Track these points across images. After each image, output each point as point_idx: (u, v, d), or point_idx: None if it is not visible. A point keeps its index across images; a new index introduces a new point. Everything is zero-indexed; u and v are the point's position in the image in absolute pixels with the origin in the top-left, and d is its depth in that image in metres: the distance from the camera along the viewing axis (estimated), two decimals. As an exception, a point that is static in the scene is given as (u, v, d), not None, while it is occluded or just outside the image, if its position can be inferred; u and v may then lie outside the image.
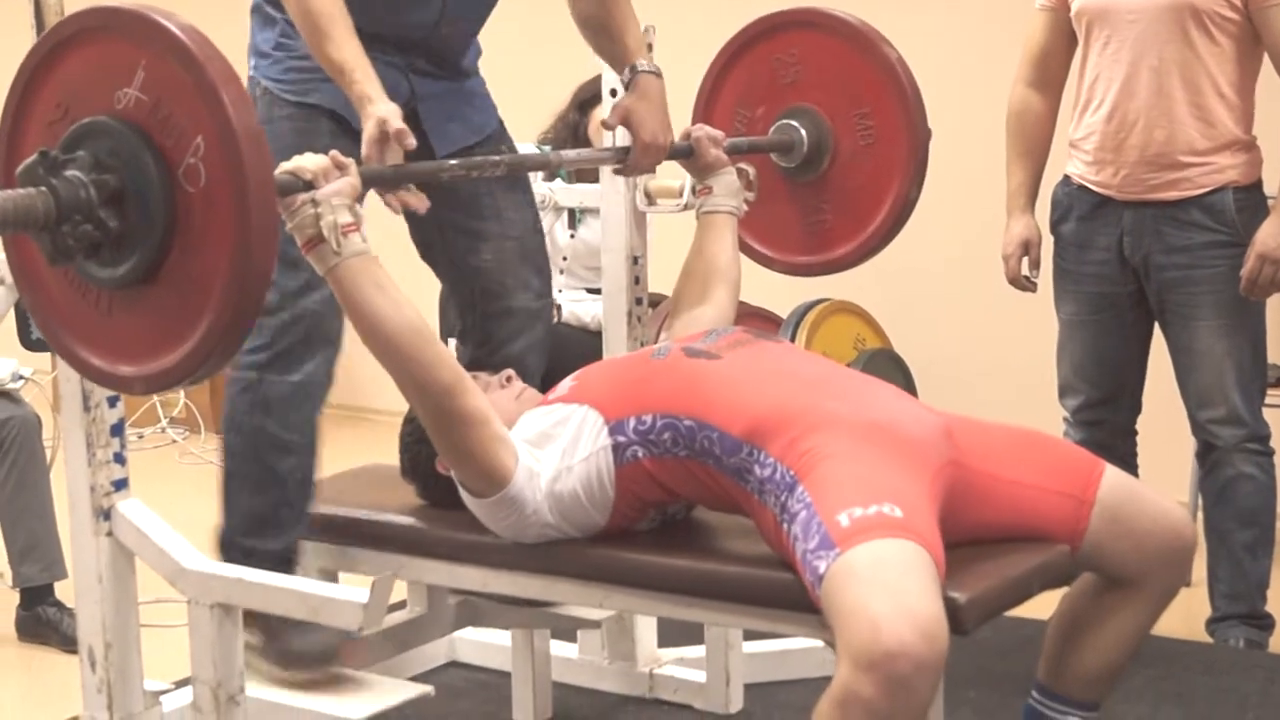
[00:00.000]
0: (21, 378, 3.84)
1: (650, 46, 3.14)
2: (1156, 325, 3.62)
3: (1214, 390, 3.51)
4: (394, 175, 2.41)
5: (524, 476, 2.37)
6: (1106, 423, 3.66)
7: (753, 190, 2.93)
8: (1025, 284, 3.67)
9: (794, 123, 3.08)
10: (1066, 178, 3.62)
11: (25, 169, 1.92)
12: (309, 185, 2.20)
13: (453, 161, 2.59)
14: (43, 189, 1.91)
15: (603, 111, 3.19)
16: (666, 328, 4.60)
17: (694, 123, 3.14)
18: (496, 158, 2.61)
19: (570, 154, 3.04)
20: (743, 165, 2.93)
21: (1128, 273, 3.55)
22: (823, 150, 3.08)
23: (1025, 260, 3.65)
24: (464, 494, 2.44)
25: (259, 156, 1.93)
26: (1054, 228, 3.66)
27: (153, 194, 1.95)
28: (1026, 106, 3.66)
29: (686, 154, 2.88)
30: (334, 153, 2.24)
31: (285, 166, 2.19)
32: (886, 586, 1.99)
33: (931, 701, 2.00)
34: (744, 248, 2.99)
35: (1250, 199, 3.49)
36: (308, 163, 2.21)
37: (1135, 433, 3.72)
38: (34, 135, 2.06)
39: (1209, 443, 3.56)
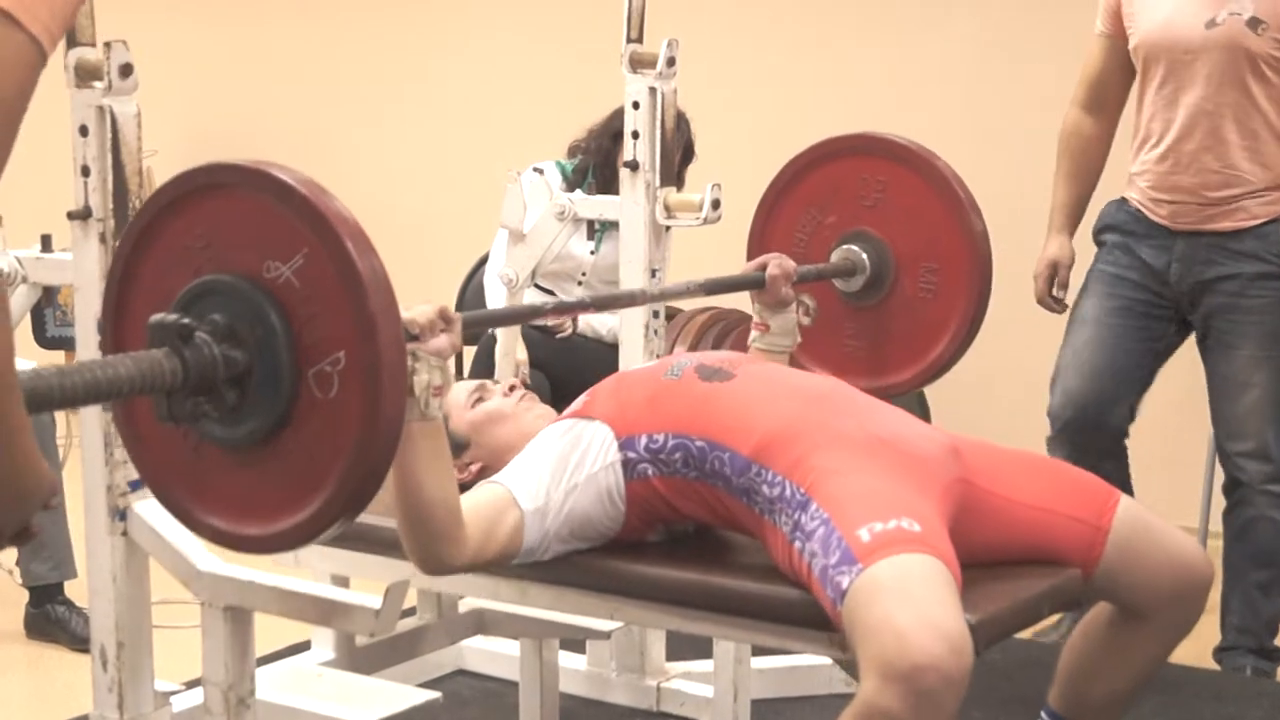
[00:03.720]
0: (37, 379, 3.84)
1: (672, 61, 3.15)
2: (1170, 355, 3.60)
3: (1246, 422, 3.49)
4: (497, 319, 2.40)
5: (534, 530, 2.33)
6: (1088, 420, 3.58)
7: (810, 318, 2.90)
8: (1052, 305, 3.66)
9: (858, 248, 3.06)
10: (1124, 200, 3.60)
11: (160, 327, 1.80)
12: (413, 337, 2.12)
13: (549, 304, 2.57)
14: (173, 356, 1.79)
15: (625, 151, 3.23)
16: (683, 341, 4.62)
17: (766, 197, 3.13)
18: (588, 298, 2.62)
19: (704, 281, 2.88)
20: (805, 298, 2.91)
21: (1165, 294, 3.53)
22: (880, 285, 3.07)
23: (1056, 281, 3.63)
24: None
25: (396, 388, 1.83)
26: (1099, 234, 3.63)
27: (279, 386, 1.84)
28: (1077, 129, 3.66)
29: (758, 285, 2.82)
30: (444, 306, 2.18)
31: (401, 315, 2.05)
32: (912, 600, 1.99)
33: (955, 716, 1.99)
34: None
35: None
36: (419, 316, 2.14)
37: (1125, 448, 3.65)
38: (167, 250, 1.95)
39: (1235, 477, 3.54)
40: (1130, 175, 3.59)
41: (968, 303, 3.03)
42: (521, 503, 2.32)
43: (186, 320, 1.81)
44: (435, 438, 2.20)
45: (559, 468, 2.37)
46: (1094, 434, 3.57)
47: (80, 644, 3.65)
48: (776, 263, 2.82)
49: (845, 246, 3.08)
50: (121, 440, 2.11)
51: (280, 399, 1.85)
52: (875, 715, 1.95)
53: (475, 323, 2.27)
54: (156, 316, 1.82)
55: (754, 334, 2.86)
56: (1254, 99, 3.39)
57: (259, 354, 1.84)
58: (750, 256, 3.04)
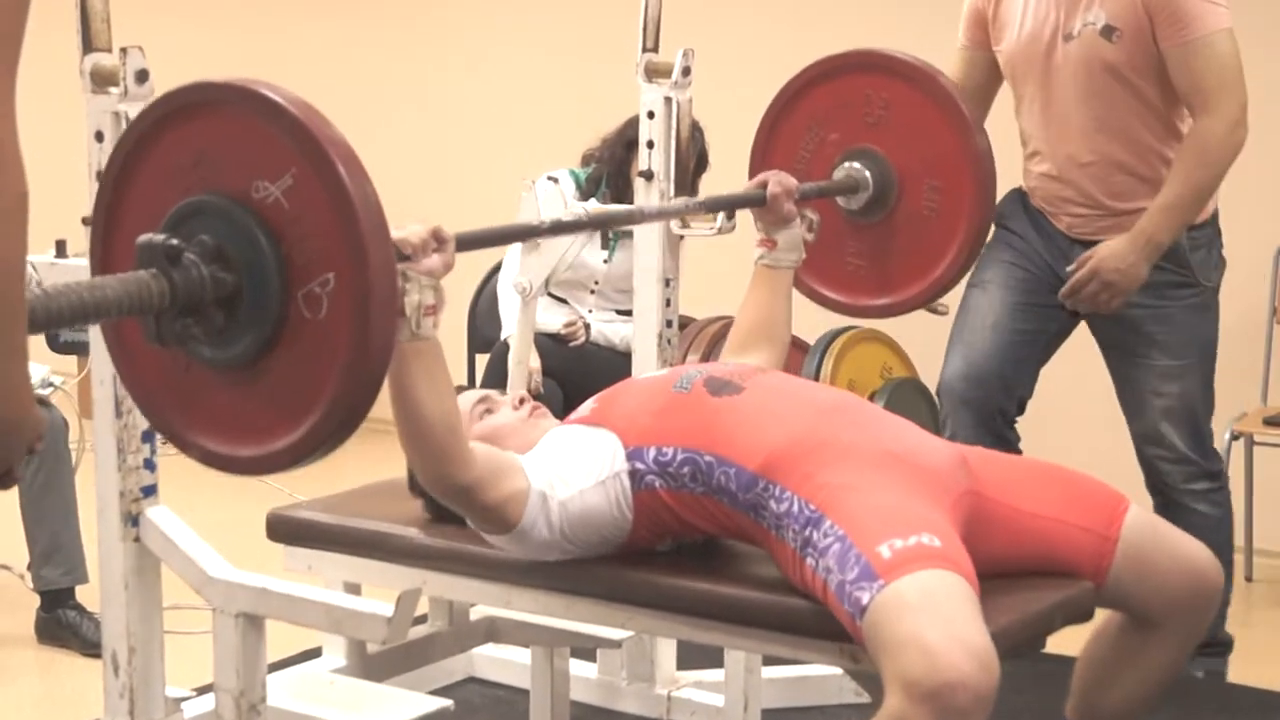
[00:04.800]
0: (51, 384, 3.85)
1: (688, 70, 3.15)
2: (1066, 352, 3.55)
3: (1158, 427, 3.44)
4: (491, 238, 2.41)
5: (536, 508, 2.33)
6: (982, 401, 3.49)
7: (813, 234, 2.87)
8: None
9: (861, 165, 3.04)
10: (1025, 196, 3.52)
11: (147, 247, 1.80)
12: (405, 257, 2.12)
13: (546, 223, 2.61)
14: (160, 278, 1.78)
15: (640, 160, 3.23)
16: (695, 350, 4.62)
17: (768, 114, 3.12)
18: (585, 215, 2.61)
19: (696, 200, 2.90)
20: (807, 212, 2.86)
21: (1056, 293, 3.46)
22: (883, 202, 3.05)
23: None
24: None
25: (387, 310, 1.83)
26: (1000, 222, 3.52)
27: (267, 307, 1.84)
28: None
29: (759, 203, 2.79)
30: (438, 227, 2.18)
31: (393, 235, 2.06)
32: (939, 616, 1.99)
33: None
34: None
35: (1204, 236, 3.40)
36: (411, 236, 2.14)
37: (1016, 432, 3.58)
38: (156, 169, 1.94)
39: (1157, 476, 3.49)
40: (1024, 176, 3.51)
41: (971, 220, 3.02)
42: (530, 479, 2.33)
43: (175, 241, 1.81)
44: (429, 357, 2.19)
45: (566, 469, 2.37)
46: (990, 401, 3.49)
47: (91, 649, 3.65)
48: (776, 179, 2.79)
49: (848, 164, 3.06)
50: (111, 358, 2.11)
51: (268, 320, 1.85)
52: None
53: (469, 242, 2.27)
54: (144, 237, 1.81)
55: (759, 251, 2.83)
56: (1124, 108, 3.29)
57: (247, 275, 1.83)
58: (753, 173, 3.03)
